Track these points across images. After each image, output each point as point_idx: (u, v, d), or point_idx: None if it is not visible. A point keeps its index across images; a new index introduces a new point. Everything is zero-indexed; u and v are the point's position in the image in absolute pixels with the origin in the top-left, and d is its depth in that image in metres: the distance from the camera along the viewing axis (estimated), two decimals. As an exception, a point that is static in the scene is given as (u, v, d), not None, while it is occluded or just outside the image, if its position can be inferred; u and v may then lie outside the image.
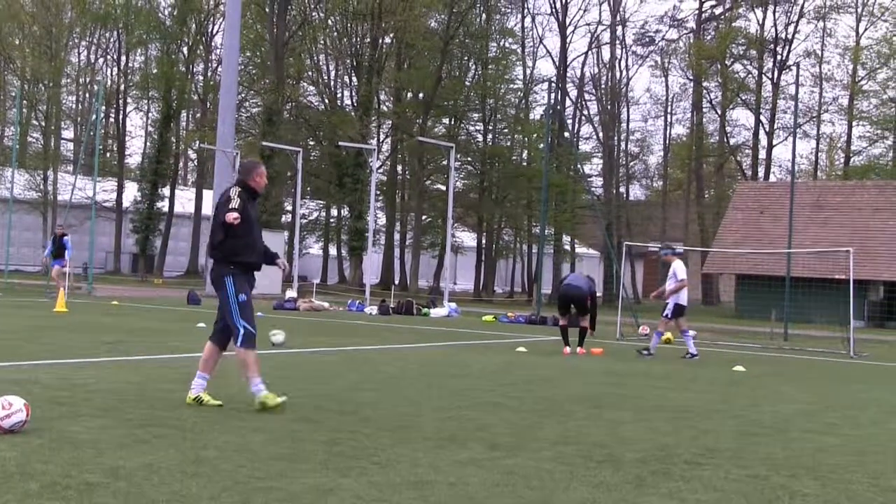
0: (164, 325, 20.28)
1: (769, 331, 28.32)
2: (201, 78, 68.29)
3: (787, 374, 16.44)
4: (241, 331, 8.86)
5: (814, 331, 30.20)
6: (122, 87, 68.46)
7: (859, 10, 64.09)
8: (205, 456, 6.57)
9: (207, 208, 53.17)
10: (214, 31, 67.17)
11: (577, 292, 18.44)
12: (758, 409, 10.96)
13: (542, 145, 49.98)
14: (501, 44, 64.44)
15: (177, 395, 9.53)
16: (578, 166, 63.65)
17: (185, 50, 66.62)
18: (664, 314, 19.20)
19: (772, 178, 64.20)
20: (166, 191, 64.51)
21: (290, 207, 55.67)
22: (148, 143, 67.83)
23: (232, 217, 8.55)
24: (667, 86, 72.14)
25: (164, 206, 64.00)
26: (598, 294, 19.74)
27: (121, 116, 69.19)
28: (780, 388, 13.86)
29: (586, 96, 68.98)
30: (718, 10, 69.42)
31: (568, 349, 18.12)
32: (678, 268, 19.04)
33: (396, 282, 57.62)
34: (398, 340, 19.71)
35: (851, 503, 6.24)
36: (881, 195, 47.63)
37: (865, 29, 64.27)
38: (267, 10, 59.22)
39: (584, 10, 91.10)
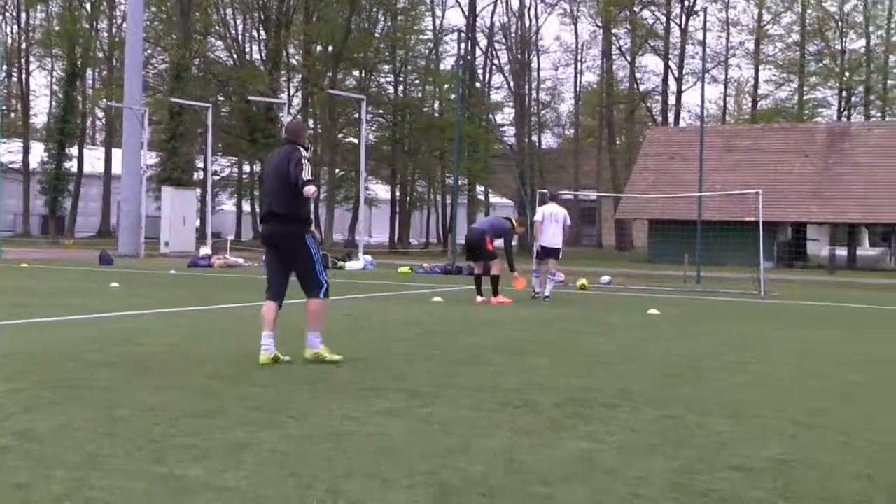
0: (75, 286, 19.88)
1: (682, 274, 28.71)
2: (106, 35, 66.78)
3: (699, 316, 16.68)
4: (326, 285, 9.37)
5: (726, 273, 30.65)
6: (24, 45, 66.66)
7: (764, -46, 64.74)
8: (119, 415, 6.43)
9: (117, 167, 52.25)
10: (118, -13, 65.63)
11: (472, 235, 18.88)
12: (672, 352, 11.10)
13: (453, 96, 49.90)
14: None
15: (89, 355, 9.32)
16: (490, 116, 63.87)
17: (88, 6, 65.03)
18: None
19: (682, 124, 64.91)
20: (74, 150, 63.14)
21: (201, 164, 54.92)
22: (53, 103, 66.40)
23: (311, 192, 8.95)
24: (576, 34, 72.51)
25: (72, 166, 62.66)
26: (515, 238, 19.59)
27: (23, 75, 67.48)
28: (693, 329, 14.07)
29: (496, 46, 68.80)
30: (627, -44, 69.57)
31: (480, 298, 18.09)
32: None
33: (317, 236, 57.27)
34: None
35: (763, 437, 6.32)
36: (788, 138, 48.49)
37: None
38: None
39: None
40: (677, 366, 9.78)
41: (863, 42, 62.77)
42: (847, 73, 62.21)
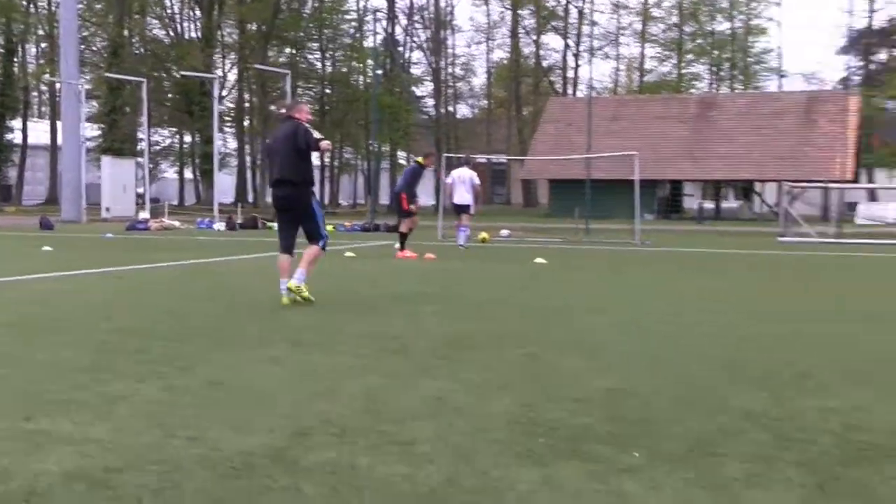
0: (4, 251, 19.00)
1: (574, 227, 28.77)
2: (45, 11, 64.39)
3: (580, 264, 16.63)
4: (326, 238, 10.09)
5: (613, 224, 30.87)
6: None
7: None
8: (-1, 373, 5.98)
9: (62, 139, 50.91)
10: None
11: (394, 193, 18.96)
12: (547, 297, 10.99)
13: (378, 71, 49.26)
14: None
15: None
16: (410, 89, 63.34)
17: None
18: None
19: (580, 95, 65.07)
20: (17, 123, 60.76)
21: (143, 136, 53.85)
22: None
23: (327, 144, 9.78)
24: (488, 14, 72.32)
25: (14, 137, 60.20)
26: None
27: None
28: (571, 276, 14.01)
29: (416, 25, 68.37)
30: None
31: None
32: None
33: (250, 199, 56.59)
34: (237, 252, 19.21)
35: (605, 371, 6.22)
36: (667, 107, 49.12)
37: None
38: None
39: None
40: (549, 309, 9.66)
41: (728, 24, 64.52)
42: (716, 52, 63.79)
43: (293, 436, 4.54)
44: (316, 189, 10.32)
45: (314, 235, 9.93)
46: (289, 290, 9.60)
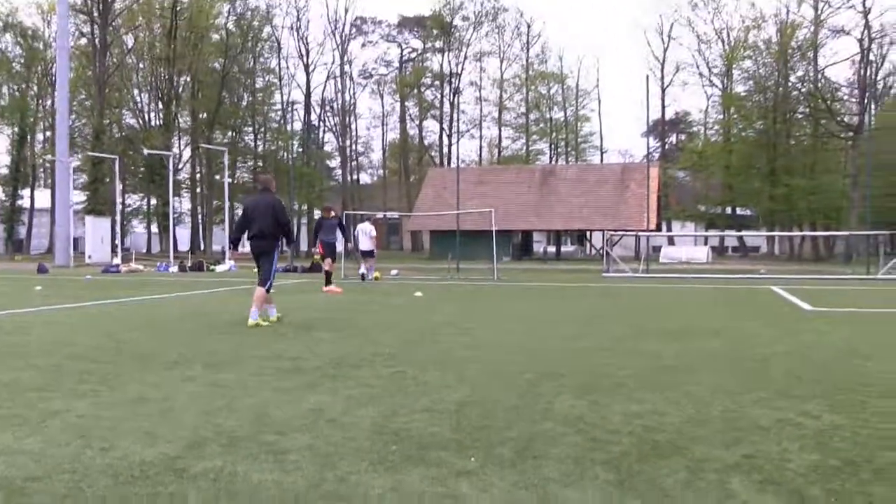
0: (4, 290, 17.85)
1: (447, 267, 28.64)
2: (49, 105, 62.71)
3: (450, 296, 16.30)
4: (271, 282, 10.24)
5: (477, 265, 30.84)
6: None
7: (501, 54, 67.07)
8: (-39, 394, 5.41)
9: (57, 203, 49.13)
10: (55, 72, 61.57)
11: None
12: (420, 323, 10.60)
13: (298, 148, 48.65)
14: (266, 79, 62.61)
15: (-28, 345, 8.06)
16: (324, 162, 62.76)
17: (35, 87, 61.25)
18: None
19: (452, 166, 65.55)
20: (26, 192, 60.04)
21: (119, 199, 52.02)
22: (10, 157, 62.97)
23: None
24: (382, 105, 72.80)
25: (23, 203, 59.26)
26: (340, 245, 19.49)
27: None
28: (442, 305, 13.65)
29: (327, 113, 68.22)
30: (414, 55, 70.40)
31: (325, 287, 17.25)
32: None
33: (202, 248, 55.02)
34: (182, 290, 18.37)
35: (458, 384, 5.93)
36: (518, 175, 49.60)
37: (506, 68, 67.54)
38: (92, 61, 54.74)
39: (321, 54, 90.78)
40: (420, 333, 9.31)
41: (563, 113, 66.53)
42: (554, 133, 65.47)
43: (188, 446, 4.14)
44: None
45: (263, 277, 10.22)
46: (249, 326, 9.85)
